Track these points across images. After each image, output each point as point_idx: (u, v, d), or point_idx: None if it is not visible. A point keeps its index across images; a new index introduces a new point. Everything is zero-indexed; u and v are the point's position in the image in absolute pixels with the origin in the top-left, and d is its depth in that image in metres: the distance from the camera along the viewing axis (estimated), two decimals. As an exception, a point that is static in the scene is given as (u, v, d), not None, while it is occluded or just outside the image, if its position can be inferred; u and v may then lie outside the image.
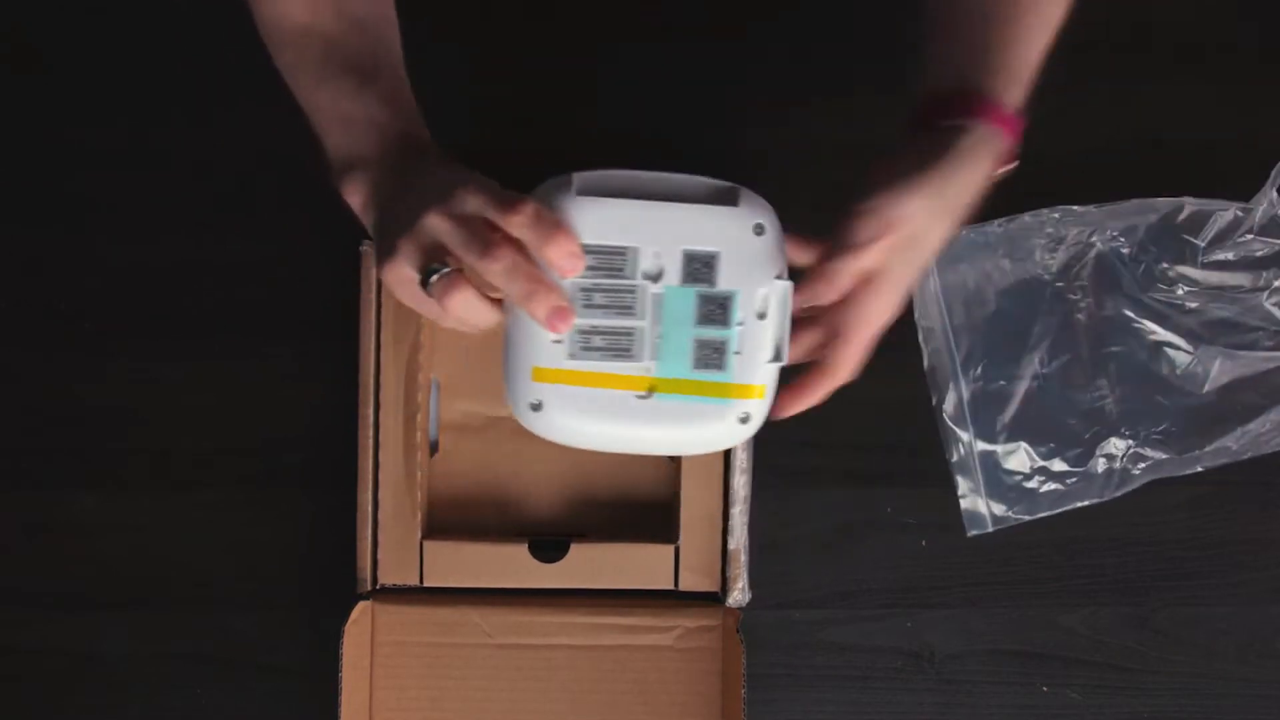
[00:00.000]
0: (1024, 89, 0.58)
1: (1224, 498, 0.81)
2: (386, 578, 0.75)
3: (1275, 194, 0.77)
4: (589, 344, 0.54)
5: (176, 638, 0.79)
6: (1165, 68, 0.82)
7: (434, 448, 0.79)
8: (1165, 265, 0.80)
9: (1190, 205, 0.78)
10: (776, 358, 0.55)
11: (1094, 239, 0.80)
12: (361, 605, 0.74)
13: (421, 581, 0.75)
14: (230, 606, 0.79)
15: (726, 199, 0.54)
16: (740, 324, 0.54)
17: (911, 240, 0.53)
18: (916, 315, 0.80)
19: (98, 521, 0.79)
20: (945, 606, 0.80)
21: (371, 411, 0.75)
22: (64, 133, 0.80)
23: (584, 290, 0.53)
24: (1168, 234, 0.79)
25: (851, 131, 0.81)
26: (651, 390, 0.55)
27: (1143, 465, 0.79)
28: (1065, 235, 0.80)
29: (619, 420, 0.55)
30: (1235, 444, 0.79)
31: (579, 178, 0.54)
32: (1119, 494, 0.79)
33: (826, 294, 0.53)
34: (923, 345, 0.80)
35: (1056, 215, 0.78)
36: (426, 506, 0.77)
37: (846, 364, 0.54)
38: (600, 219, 0.53)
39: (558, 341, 0.54)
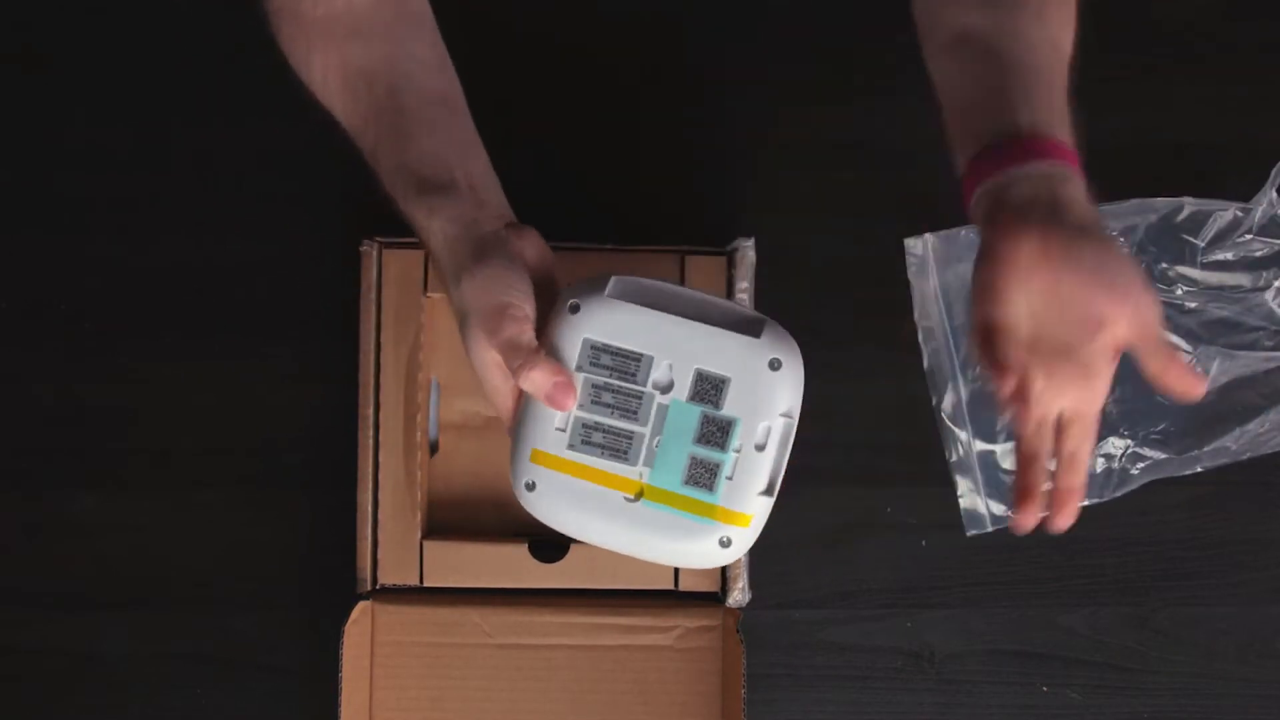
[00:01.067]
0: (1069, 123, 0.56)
1: (1223, 498, 0.81)
2: (386, 578, 0.75)
3: (1275, 194, 0.78)
4: (589, 438, 0.56)
5: (176, 638, 0.79)
6: (1165, 68, 0.82)
7: (434, 448, 0.79)
8: (1165, 265, 0.80)
9: (1190, 205, 0.79)
10: (768, 491, 0.57)
11: (1094, 239, 0.80)
12: (361, 605, 0.74)
13: (421, 581, 0.75)
14: (230, 606, 0.79)
15: (751, 329, 0.56)
16: (737, 450, 0.56)
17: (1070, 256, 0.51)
18: (917, 315, 0.80)
19: (98, 521, 0.79)
20: (945, 606, 0.80)
21: (371, 411, 0.75)
22: (65, 133, 0.81)
23: (595, 387, 0.56)
24: (1167, 234, 0.79)
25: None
26: (639, 495, 0.57)
27: (1142, 465, 0.79)
28: (1065, 235, 0.80)
29: (604, 517, 0.57)
30: (1235, 444, 0.79)
31: (615, 281, 0.57)
32: (1118, 494, 0.79)
33: (1040, 418, 0.54)
34: (923, 345, 0.80)
35: (1056, 215, 0.78)
36: (426, 506, 0.77)
37: (1164, 361, 0.54)
38: (623, 323, 0.56)
39: (561, 430, 0.56)
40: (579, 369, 0.56)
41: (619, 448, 0.56)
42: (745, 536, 0.57)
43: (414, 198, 0.58)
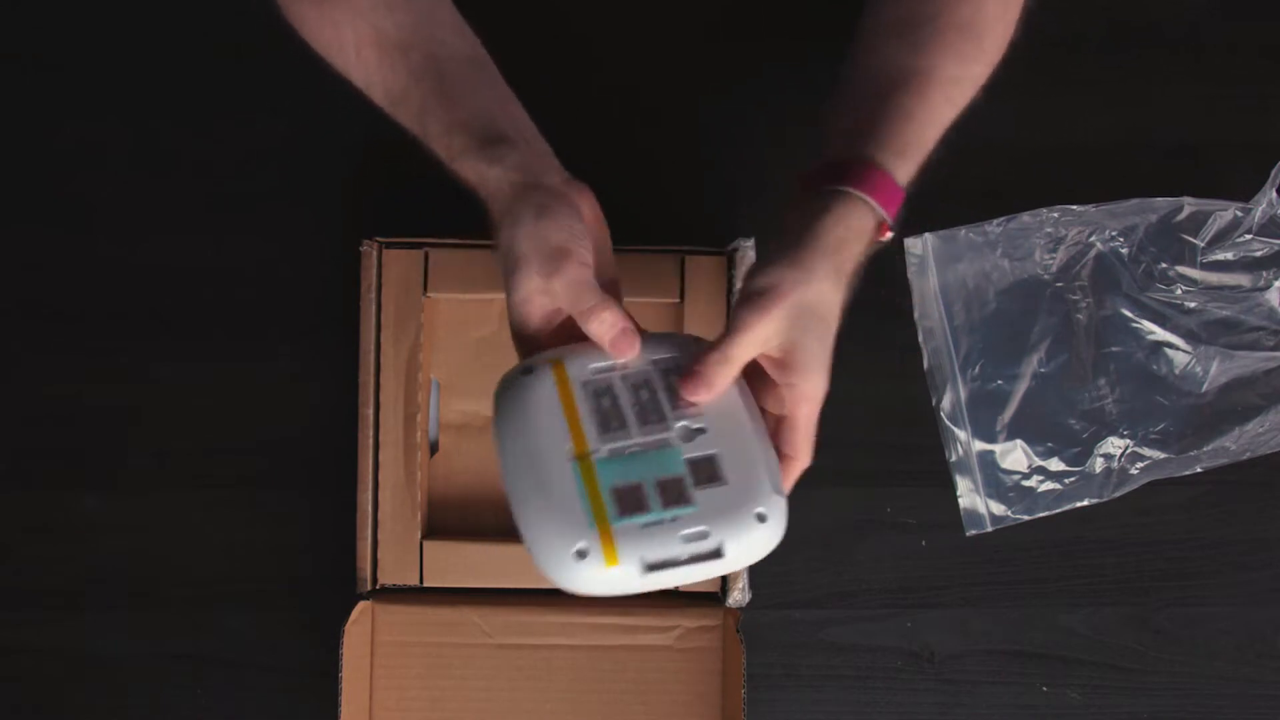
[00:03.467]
0: (914, 164, 0.59)
1: (1223, 498, 0.81)
2: (386, 578, 0.75)
3: (1275, 194, 0.78)
4: (600, 397, 0.56)
5: (176, 638, 0.79)
6: (1164, 68, 0.82)
7: (434, 448, 0.79)
8: (1165, 265, 0.80)
9: (1190, 205, 0.79)
10: (654, 567, 0.52)
11: (1093, 239, 0.80)
12: (361, 605, 0.74)
13: (421, 581, 0.75)
14: (230, 606, 0.79)
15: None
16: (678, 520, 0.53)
17: (801, 310, 0.54)
18: (917, 315, 0.80)
19: (97, 521, 0.79)
20: (945, 606, 0.80)
21: (371, 411, 0.75)
22: (64, 133, 0.81)
23: (638, 382, 0.57)
24: (1167, 234, 0.79)
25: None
26: (578, 458, 0.54)
27: (1141, 465, 0.79)
28: (1065, 235, 0.80)
29: (530, 449, 0.55)
30: (1234, 444, 0.79)
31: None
32: (1118, 494, 0.79)
33: (725, 375, 0.55)
34: (923, 345, 0.80)
35: (1056, 215, 0.78)
36: (426, 506, 0.77)
37: (803, 447, 0.56)
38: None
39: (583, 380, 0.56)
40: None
41: (608, 423, 0.55)
42: (596, 571, 0.52)
43: (474, 151, 0.57)
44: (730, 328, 0.55)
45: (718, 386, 0.55)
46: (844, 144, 0.59)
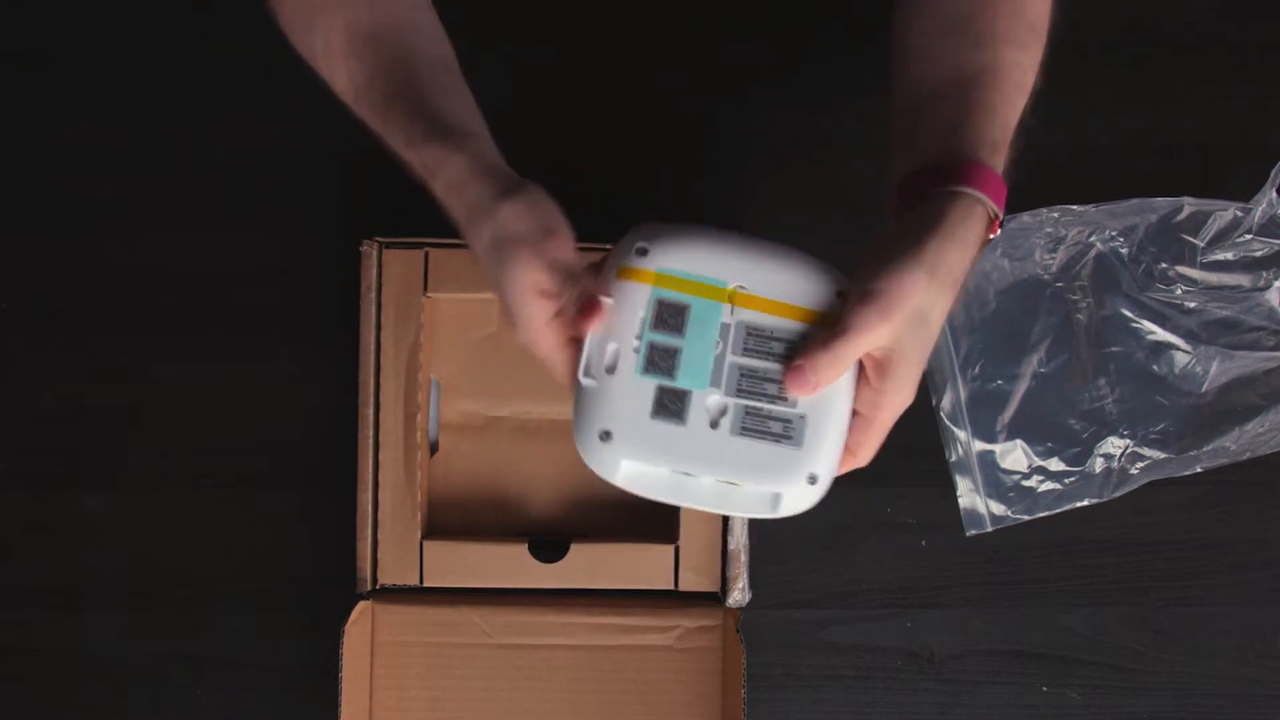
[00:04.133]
0: (1005, 157, 0.58)
1: (1223, 498, 0.81)
2: (386, 578, 0.75)
3: (1275, 194, 0.78)
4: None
5: (176, 638, 0.79)
6: (1165, 68, 0.82)
7: (434, 448, 0.79)
8: (1165, 265, 0.80)
9: (1190, 205, 0.78)
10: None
11: (1093, 239, 0.80)
12: (361, 605, 0.74)
13: (421, 581, 0.75)
14: (230, 606, 0.79)
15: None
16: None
17: (917, 316, 0.52)
18: (916, 315, 0.80)
19: (98, 521, 0.79)
20: (945, 606, 0.80)
21: (371, 411, 0.75)
22: (64, 133, 0.81)
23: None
24: (1167, 234, 0.79)
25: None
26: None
27: (1141, 465, 0.79)
28: (1065, 235, 0.80)
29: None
30: (1234, 444, 0.79)
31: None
32: (1118, 494, 0.79)
33: (832, 375, 0.53)
34: (922, 345, 0.80)
35: (1056, 215, 0.78)
36: (426, 506, 0.77)
37: (866, 449, 0.55)
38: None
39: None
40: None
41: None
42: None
43: (438, 136, 0.56)
44: (846, 326, 0.52)
45: (819, 386, 0.53)
46: (938, 147, 0.57)
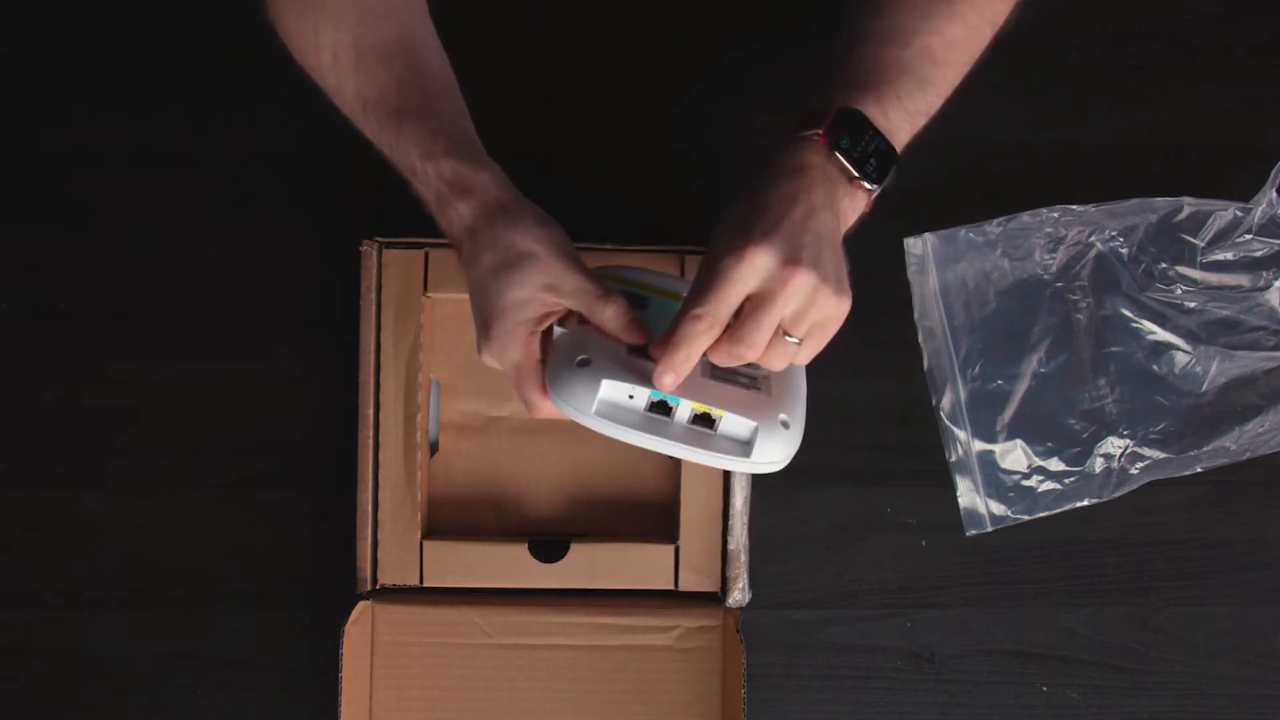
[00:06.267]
0: (897, 115, 0.58)
1: (1223, 498, 0.81)
2: (386, 578, 0.75)
3: (1275, 194, 0.77)
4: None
5: (176, 638, 0.79)
6: (1165, 68, 0.82)
7: (434, 448, 0.79)
8: (1164, 265, 0.80)
9: (1189, 205, 0.78)
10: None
11: (1093, 239, 0.80)
12: (361, 605, 0.74)
13: (421, 581, 0.75)
14: (230, 606, 0.79)
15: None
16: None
17: (750, 260, 0.52)
18: (917, 315, 0.80)
19: (97, 521, 0.79)
20: (945, 606, 0.80)
21: (371, 411, 0.75)
22: (64, 133, 0.81)
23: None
24: (1167, 234, 0.79)
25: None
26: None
27: (1141, 465, 0.79)
28: (1064, 235, 0.80)
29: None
30: (1234, 444, 0.79)
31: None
32: (1118, 494, 0.79)
33: (721, 307, 0.53)
34: (923, 345, 0.80)
35: (1056, 215, 0.78)
36: (426, 506, 0.77)
37: (806, 353, 0.56)
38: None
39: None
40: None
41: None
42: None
43: (457, 153, 0.59)
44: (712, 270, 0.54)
45: (686, 363, 0.54)
46: (828, 93, 0.60)
